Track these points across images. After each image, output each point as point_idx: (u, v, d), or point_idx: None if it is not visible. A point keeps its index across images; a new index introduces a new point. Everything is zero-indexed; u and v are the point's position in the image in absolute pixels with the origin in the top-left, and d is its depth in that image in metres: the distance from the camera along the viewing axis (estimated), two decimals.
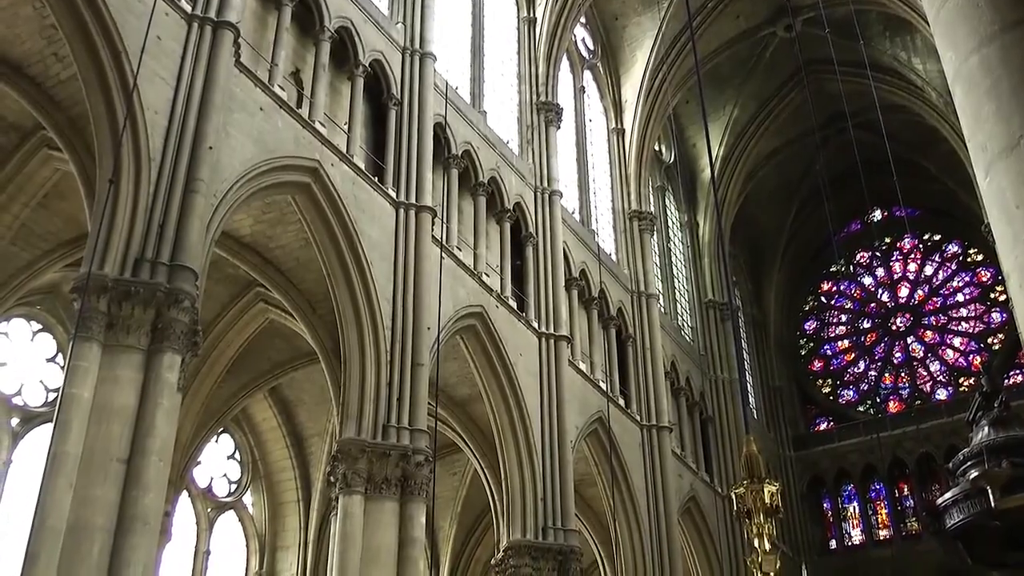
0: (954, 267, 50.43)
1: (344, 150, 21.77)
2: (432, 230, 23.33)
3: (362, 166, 22.25)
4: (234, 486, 30.07)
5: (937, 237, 51.27)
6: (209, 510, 29.02)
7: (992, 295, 48.63)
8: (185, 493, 27.48)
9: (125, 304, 15.58)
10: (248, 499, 30.39)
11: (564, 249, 29.64)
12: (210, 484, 29.32)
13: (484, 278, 25.66)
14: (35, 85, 18.83)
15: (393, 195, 22.81)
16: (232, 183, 18.51)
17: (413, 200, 23.04)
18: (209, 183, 17.61)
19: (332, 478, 20.31)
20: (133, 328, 15.53)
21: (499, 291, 26.17)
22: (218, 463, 29.80)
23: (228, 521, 29.77)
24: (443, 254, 23.37)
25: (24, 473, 23.33)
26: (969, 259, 50.05)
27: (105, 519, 14.28)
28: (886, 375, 49.66)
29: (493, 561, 25.61)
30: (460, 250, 25.15)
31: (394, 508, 19.85)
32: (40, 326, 24.99)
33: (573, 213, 32.47)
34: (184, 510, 27.71)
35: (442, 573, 33.55)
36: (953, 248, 50.74)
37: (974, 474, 12.13)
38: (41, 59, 18.52)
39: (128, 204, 16.35)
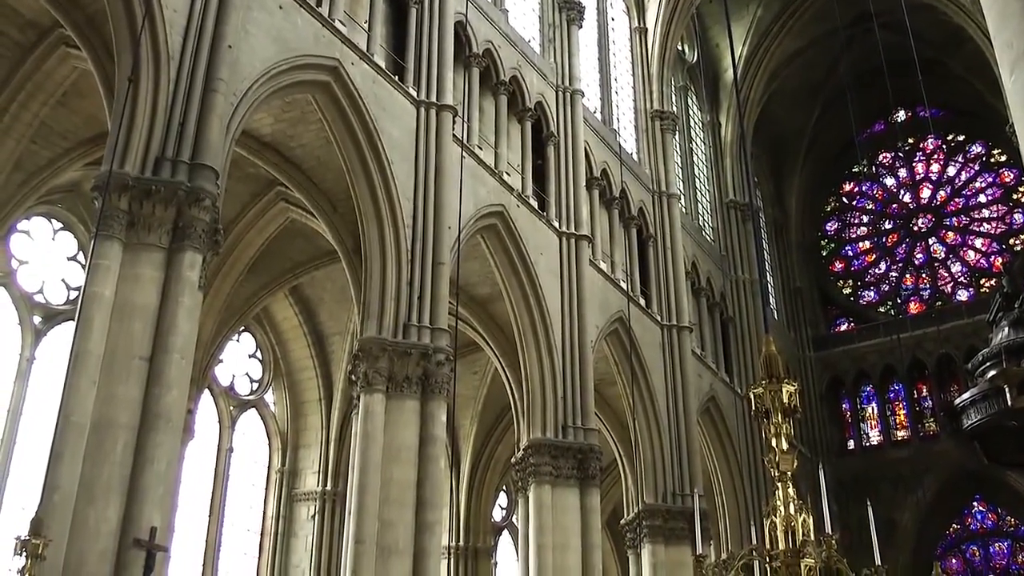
0: (977, 168, 49.97)
1: (364, 48, 21.58)
2: (453, 129, 23.20)
3: (383, 65, 22.06)
4: (256, 384, 30.35)
5: (961, 138, 50.74)
6: (231, 408, 29.33)
7: (1015, 196, 48.34)
8: (207, 391, 27.76)
9: (146, 203, 15.60)
10: (270, 397, 30.69)
11: (585, 149, 29.45)
12: (232, 382, 29.60)
13: (505, 177, 25.55)
14: None
15: (414, 94, 22.64)
16: (252, 82, 18.39)
17: (434, 99, 22.89)
18: (228, 82, 17.52)
19: (353, 377, 20.46)
20: (154, 227, 15.57)
21: (520, 190, 26.07)
22: (239, 362, 30.04)
23: (250, 419, 30.10)
24: (464, 153, 23.23)
25: (47, 371, 23.57)
26: (992, 160, 49.58)
27: (128, 416, 14.46)
28: (907, 276, 49.51)
29: (513, 460, 25.87)
30: (481, 149, 25.02)
31: (415, 407, 20.02)
32: (61, 225, 25.06)
33: (595, 113, 32.18)
34: (206, 408, 28.02)
35: (462, 471, 33.95)
36: (976, 149, 50.23)
37: (992, 374, 12.13)
38: None
39: (147, 103, 16.29)
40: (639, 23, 37.09)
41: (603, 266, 29.40)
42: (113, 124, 16.30)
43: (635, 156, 34.39)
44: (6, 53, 20.74)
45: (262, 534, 29.35)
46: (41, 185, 22.78)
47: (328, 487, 29.62)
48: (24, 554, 11.21)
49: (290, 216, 25.48)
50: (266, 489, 29.94)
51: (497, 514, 36.29)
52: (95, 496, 13.87)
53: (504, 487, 35.66)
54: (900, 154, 52.00)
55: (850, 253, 51.69)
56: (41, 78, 21.15)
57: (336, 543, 27.69)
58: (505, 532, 36.63)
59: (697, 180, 40.55)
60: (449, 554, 32.00)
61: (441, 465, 20.67)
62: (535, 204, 26.67)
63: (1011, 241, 47.38)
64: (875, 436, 46.30)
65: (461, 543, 33.54)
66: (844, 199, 53.14)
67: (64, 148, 22.59)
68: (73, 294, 24.31)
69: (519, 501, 25.67)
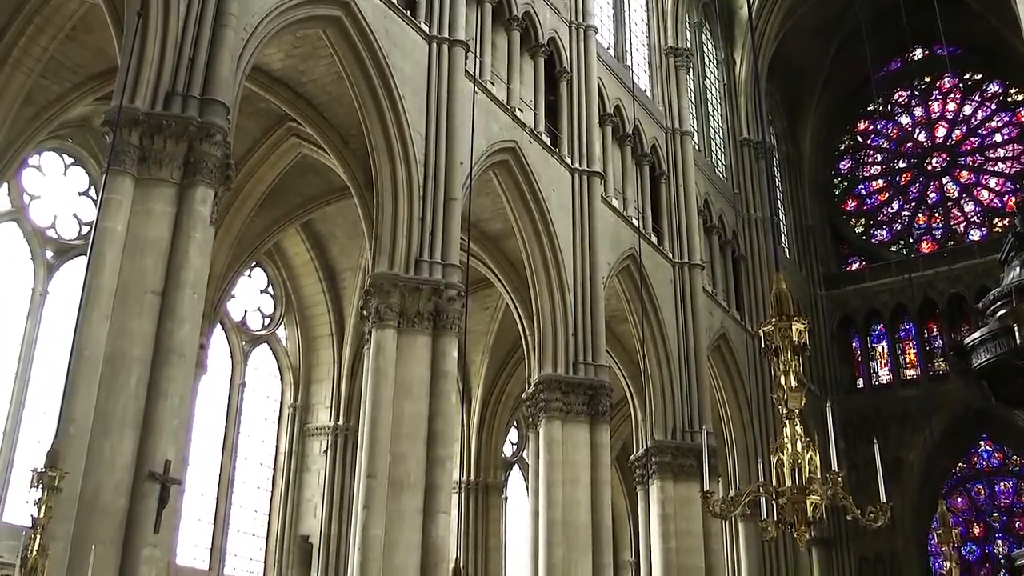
0: (994, 107, 49.58)
1: None
2: (465, 65, 23.08)
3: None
4: (267, 320, 30.46)
5: (978, 76, 50.28)
6: (243, 343, 29.47)
7: None
8: (219, 326, 27.90)
9: (157, 138, 15.61)
10: (282, 332, 30.81)
11: (598, 85, 29.27)
12: (244, 317, 29.71)
13: (517, 113, 25.44)
14: None
15: (426, 29, 22.50)
16: (262, 17, 18.30)
17: (446, 34, 22.76)
18: (239, 16, 17.44)
19: (365, 312, 20.54)
20: (165, 162, 15.58)
21: (532, 126, 25.96)
22: (251, 297, 30.13)
23: (262, 354, 30.26)
24: (476, 89, 23.14)
25: (61, 305, 23.69)
26: (1010, 99, 49.17)
27: (141, 350, 14.57)
28: (920, 215, 49.32)
29: (524, 395, 26.00)
30: (493, 85, 24.90)
31: (426, 342, 20.11)
32: (72, 160, 25.05)
33: (608, 49, 31.94)
34: (219, 343, 28.16)
35: (474, 406, 34.13)
36: (993, 88, 49.81)
37: (1002, 313, 12.14)
38: None
39: (157, 38, 16.23)
40: None
41: (615, 203, 29.34)
42: (123, 59, 16.25)
43: (648, 93, 34.17)
44: None
45: (275, 468, 29.61)
46: (51, 120, 22.77)
47: (340, 422, 29.82)
48: (40, 486, 11.33)
49: (301, 151, 25.45)
50: (278, 424, 30.17)
51: (508, 449, 36.53)
52: (110, 429, 14.02)
53: (515, 422, 35.87)
54: (916, 92, 51.59)
55: (863, 192, 51.45)
56: (50, 12, 21.06)
57: (348, 477, 27.93)
58: (515, 467, 36.89)
59: (710, 118, 40.29)
60: (460, 489, 32.23)
61: (452, 400, 20.79)
62: (547, 140, 26.57)
63: None
64: (884, 375, 46.35)
65: (472, 478, 33.81)
66: (858, 137, 52.81)
67: (74, 82, 22.54)
68: (85, 229, 24.35)
69: (529, 436, 25.83)
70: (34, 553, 11.19)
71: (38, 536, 11.26)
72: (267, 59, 21.26)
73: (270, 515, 29.10)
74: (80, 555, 12.83)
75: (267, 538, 28.84)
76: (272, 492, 29.32)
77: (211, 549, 26.98)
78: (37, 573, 11.16)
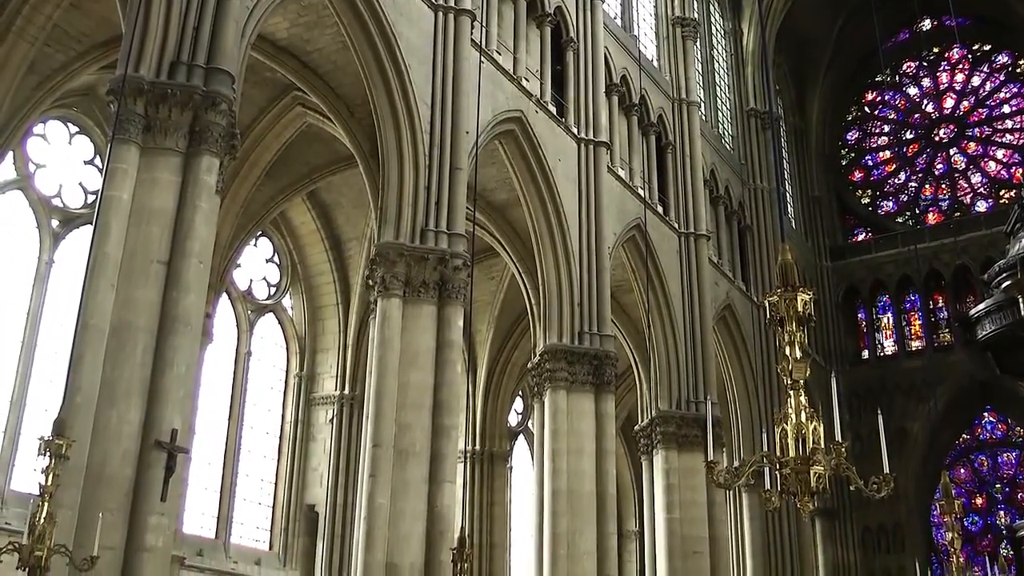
0: (1002, 78, 49.40)
1: None
2: (471, 34, 22.98)
3: None
4: (273, 289, 30.47)
5: (987, 47, 50.07)
6: (249, 312, 29.49)
7: None
8: (225, 295, 27.90)
9: (162, 107, 15.58)
10: (287, 302, 30.83)
11: (605, 55, 29.16)
12: (250, 287, 29.71)
13: (523, 83, 25.37)
14: None
15: None
16: None
17: (452, 3, 22.63)
18: None
19: (370, 281, 20.55)
20: (171, 131, 15.56)
21: (539, 96, 25.90)
22: (257, 266, 30.12)
23: (268, 323, 30.27)
24: (482, 58, 23.07)
25: (66, 274, 23.70)
26: (1019, 70, 48.98)
27: (147, 320, 14.60)
28: (926, 186, 49.24)
29: (529, 365, 26.05)
30: (499, 55, 24.81)
31: (432, 312, 20.12)
32: (77, 128, 25.01)
33: (615, 19, 31.81)
34: (224, 312, 28.18)
35: (479, 376, 34.20)
36: (1002, 59, 49.59)
37: (1007, 284, 12.14)
38: None
39: (162, 6, 16.19)
40: None
41: (621, 173, 29.30)
42: (127, 27, 16.21)
43: (655, 63, 34.06)
44: None
45: (281, 437, 29.69)
46: (56, 88, 22.72)
47: (346, 391, 29.88)
48: (48, 454, 11.40)
49: (307, 121, 25.39)
50: (284, 393, 30.23)
51: (513, 419, 36.61)
52: (116, 398, 14.07)
53: (520, 392, 35.93)
54: (924, 63, 51.37)
55: (870, 163, 51.36)
56: None
57: (354, 447, 27.99)
58: (521, 437, 36.99)
59: (717, 88, 40.15)
60: (465, 458, 32.39)
61: (458, 370, 20.82)
62: (553, 110, 26.51)
63: None
64: (890, 346, 46.40)
65: (477, 447, 33.93)
66: (866, 108, 52.67)
67: (78, 51, 22.48)
68: (91, 198, 24.33)
69: (535, 406, 25.89)
70: (42, 520, 11.27)
71: (46, 504, 11.33)
72: (272, 28, 21.19)
73: (276, 484, 29.22)
74: (87, 523, 12.89)
75: (273, 507, 28.96)
76: (278, 461, 29.42)
77: (217, 518, 27.10)
78: (45, 540, 11.24)
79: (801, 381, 8.26)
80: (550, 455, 24.26)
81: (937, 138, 49.50)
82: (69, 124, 24.88)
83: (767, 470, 8.95)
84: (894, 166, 50.43)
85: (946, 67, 51.11)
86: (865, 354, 46.68)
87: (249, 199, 26.68)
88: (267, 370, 29.87)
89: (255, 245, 29.65)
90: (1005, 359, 13.99)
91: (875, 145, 51.61)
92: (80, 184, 24.89)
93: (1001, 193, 46.61)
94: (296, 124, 25.71)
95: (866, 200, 50.50)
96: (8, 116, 21.75)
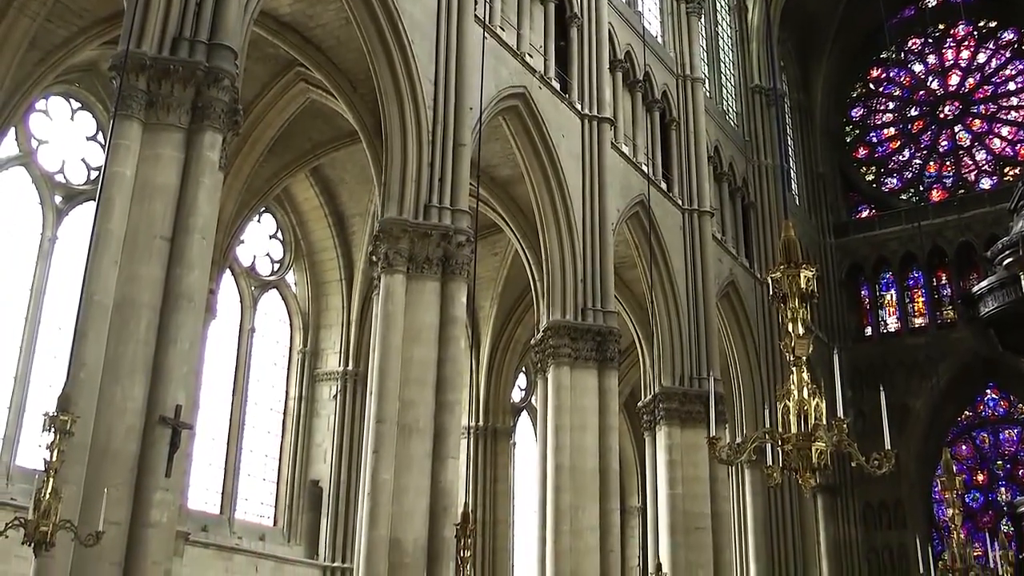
0: (1008, 55, 49.18)
1: None
2: (475, 9, 22.91)
3: None
4: (277, 265, 30.47)
5: (992, 24, 49.83)
6: (252, 288, 29.50)
7: None
8: (228, 272, 27.92)
9: (164, 82, 15.55)
10: (291, 278, 30.84)
11: (609, 30, 29.08)
12: (253, 263, 29.71)
13: (527, 59, 25.30)
14: None
15: None
16: None
17: None
18: None
19: (374, 257, 20.55)
20: (173, 107, 15.53)
21: (542, 72, 25.83)
22: (260, 242, 30.11)
23: (271, 299, 30.28)
24: (485, 34, 23.00)
25: (70, 250, 23.71)
26: None
27: (151, 296, 14.62)
28: (931, 163, 49.12)
29: (533, 341, 26.08)
30: (503, 30, 24.74)
31: (435, 288, 20.12)
32: (80, 104, 24.97)
33: None
34: (228, 288, 28.20)
35: (482, 352, 34.25)
36: (1008, 35, 49.36)
37: (1009, 261, 12.13)
38: None
39: None
40: None
41: (625, 149, 29.26)
42: (129, 3, 16.16)
43: (659, 39, 33.96)
44: None
45: (285, 413, 29.76)
46: (58, 64, 22.68)
47: (349, 367, 29.93)
48: (52, 430, 11.43)
49: (310, 97, 25.35)
50: (288, 369, 30.28)
51: (516, 395, 36.67)
52: (120, 374, 14.10)
53: (523, 368, 36.00)
54: (929, 40, 51.15)
55: (874, 139, 51.22)
56: None
57: (358, 422, 28.05)
58: (524, 413, 37.05)
59: (722, 64, 40.05)
60: (469, 434, 32.46)
61: (461, 346, 20.83)
62: (557, 86, 26.45)
63: None
64: (892, 323, 46.39)
65: (480, 423, 34.03)
66: (871, 85, 52.48)
67: (80, 27, 22.42)
68: (94, 174, 24.32)
69: (538, 382, 25.95)
70: (47, 496, 11.31)
71: (51, 479, 11.37)
72: (275, 4, 21.14)
73: (280, 460, 29.31)
74: (92, 498, 12.92)
75: (277, 482, 29.05)
76: (282, 437, 29.49)
77: (222, 493, 27.20)
78: (50, 516, 11.29)
79: (804, 357, 8.27)
80: (553, 431, 24.32)
81: (942, 115, 49.35)
82: (71, 100, 24.83)
83: (769, 446, 8.97)
84: (899, 143, 50.31)
85: (951, 44, 50.87)
86: (868, 331, 46.66)
87: (252, 175, 26.66)
88: (271, 346, 29.92)
89: (258, 221, 29.64)
90: (1007, 336, 14.03)
91: (880, 122, 51.45)
92: (83, 160, 24.87)
93: (1005, 170, 46.51)
94: (299, 100, 25.67)
95: (870, 177, 50.40)
96: (10, 92, 21.72)
